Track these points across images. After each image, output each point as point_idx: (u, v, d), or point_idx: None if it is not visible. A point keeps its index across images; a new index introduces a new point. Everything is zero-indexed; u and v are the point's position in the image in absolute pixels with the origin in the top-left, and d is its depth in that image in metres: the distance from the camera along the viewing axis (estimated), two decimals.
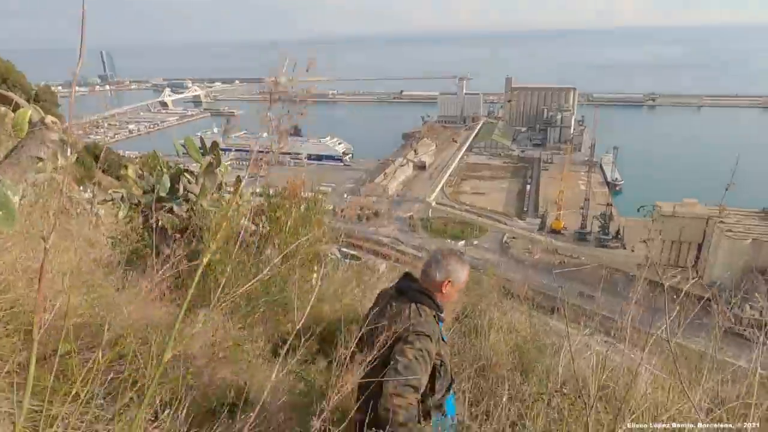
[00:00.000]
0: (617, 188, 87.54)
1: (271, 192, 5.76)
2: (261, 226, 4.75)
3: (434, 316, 2.67)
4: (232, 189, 5.93)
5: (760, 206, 58.95)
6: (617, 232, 67.21)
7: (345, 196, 79.47)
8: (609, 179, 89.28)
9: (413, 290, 2.70)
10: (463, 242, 67.05)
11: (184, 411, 1.88)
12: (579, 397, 1.54)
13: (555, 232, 69.98)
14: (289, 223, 4.33)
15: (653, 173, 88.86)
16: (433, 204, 77.85)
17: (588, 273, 59.51)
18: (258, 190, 4.89)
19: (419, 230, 71.21)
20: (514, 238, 69.13)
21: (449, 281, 2.72)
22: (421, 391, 2.46)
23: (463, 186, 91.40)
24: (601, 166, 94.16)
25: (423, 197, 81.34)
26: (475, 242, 67.79)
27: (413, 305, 2.64)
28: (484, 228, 71.28)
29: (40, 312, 1.00)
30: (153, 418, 1.91)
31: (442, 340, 2.72)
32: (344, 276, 5.26)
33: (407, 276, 2.81)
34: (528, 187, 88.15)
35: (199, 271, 1.36)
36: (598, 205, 72.09)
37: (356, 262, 5.71)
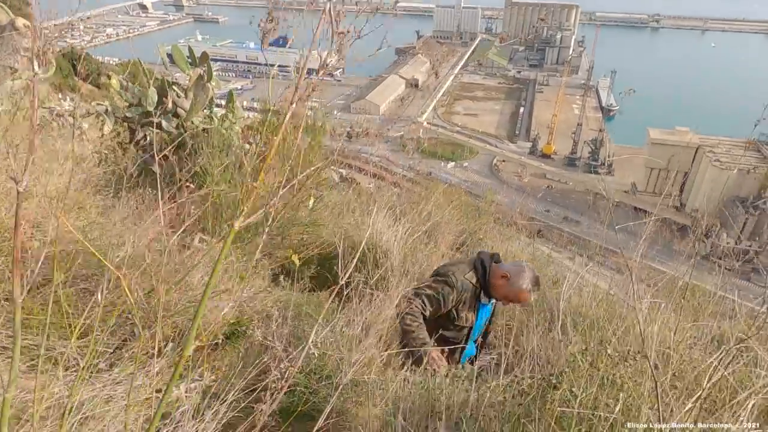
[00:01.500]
0: (611, 114, 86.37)
1: (257, 106, 5.42)
2: (255, 145, 4.51)
3: (474, 287, 3.07)
4: (223, 104, 5.59)
5: (751, 136, 58.86)
6: (606, 159, 67.29)
7: (335, 113, 77.66)
8: (604, 104, 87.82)
9: (482, 262, 3.09)
10: (452, 164, 66.89)
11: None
12: (626, 359, 1.47)
13: (545, 156, 69.86)
14: (289, 143, 4.09)
15: (650, 99, 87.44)
16: (425, 124, 76.55)
17: (574, 198, 60.32)
18: (255, 105, 4.56)
19: (410, 150, 70.51)
20: (503, 161, 69.01)
21: (507, 277, 3.02)
22: (426, 313, 2.99)
23: (455, 106, 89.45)
24: (597, 91, 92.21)
25: (415, 117, 79.78)
26: (465, 164, 67.63)
27: (468, 268, 3.08)
28: (474, 150, 70.83)
29: (18, 271, 0.85)
30: (155, 353, 1.83)
31: (474, 311, 3.14)
32: (343, 199, 5.12)
33: (494, 255, 3.19)
34: (521, 109, 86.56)
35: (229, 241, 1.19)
36: (590, 131, 71.51)
37: (353, 185, 5.54)
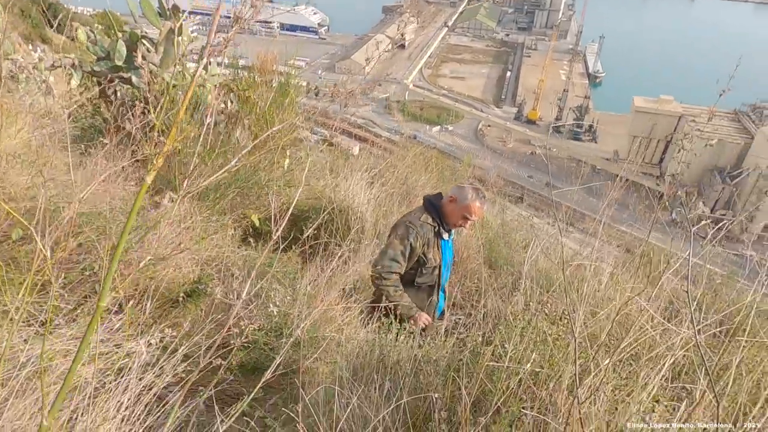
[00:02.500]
0: (597, 80, 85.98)
1: (241, 64, 5.30)
2: (229, 104, 4.41)
3: (432, 226, 3.20)
4: (196, 60, 5.42)
5: (734, 106, 59.39)
6: (590, 126, 67.35)
7: (320, 72, 76.00)
8: (591, 70, 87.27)
9: (430, 203, 3.22)
10: (438, 128, 66.41)
11: (149, 302, 1.81)
12: (560, 319, 1.54)
13: (531, 122, 69.65)
14: (260, 103, 4.02)
15: (637, 66, 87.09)
16: (411, 86, 75.35)
17: (556, 164, 60.59)
18: (225, 62, 4.41)
19: (395, 113, 69.71)
20: (488, 126, 68.68)
21: (453, 199, 3.16)
22: (401, 272, 3.16)
23: (442, 69, 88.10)
24: (585, 56, 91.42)
25: (400, 78, 78.45)
26: (450, 128, 67.22)
27: (420, 212, 3.21)
28: (459, 114, 70.22)
29: None
30: (117, 310, 1.85)
31: (438, 248, 3.27)
32: (318, 161, 5.08)
33: (439, 194, 3.30)
34: (508, 74, 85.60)
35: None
36: (576, 97, 71.26)
37: (331, 147, 5.45)
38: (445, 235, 3.29)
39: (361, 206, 3.87)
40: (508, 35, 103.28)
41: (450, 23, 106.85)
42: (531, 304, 1.90)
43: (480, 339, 1.63)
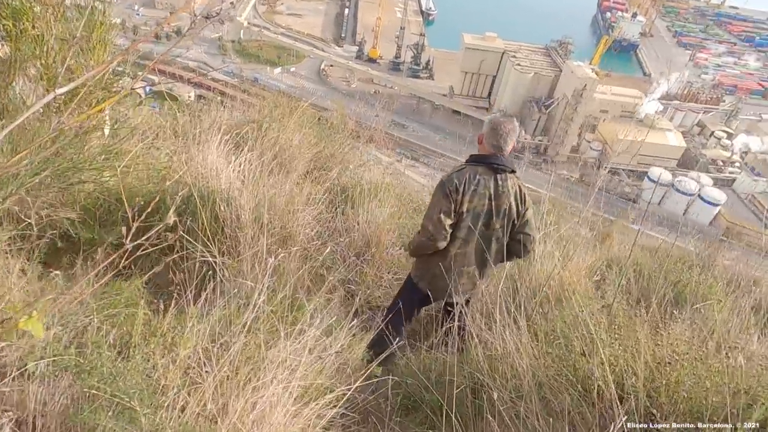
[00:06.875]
0: (431, 18, 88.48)
1: None
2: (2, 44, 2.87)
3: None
4: None
5: (546, 42, 65.88)
6: (427, 63, 69.51)
7: (137, 8, 66.22)
8: (423, 8, 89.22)
9: (510, 164, 3.05)
10: (279, 69, 63.02)
11: None
12: None
13: (371, 60, 69.56)
14: (50, 39, 2.60)
15: (466, 3, 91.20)
16: (245, 24, 69.39)
17: (399, 102, 61.93)
18: None
19: (230, 54, 64.18)
20: (331, 65, 67.02)
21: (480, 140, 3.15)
22: None
23: (278, 5, 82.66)
24: None
25: (233, 15, 71.75)
26: (292, 69, 64.31)
27: (514, 176, 3.09)
28: (301, 54, 67.20)
29: None
30: None
31: None
32: (156, 122, 3.73)
33: (495, 156, 3.04)
34: (346, 11, 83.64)
35: None
36: (412, 35, 72.50)
37: (173, 101, 4.06)
38: None
39: (229, 185, 2.79)
40: None
41: None
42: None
43: None
